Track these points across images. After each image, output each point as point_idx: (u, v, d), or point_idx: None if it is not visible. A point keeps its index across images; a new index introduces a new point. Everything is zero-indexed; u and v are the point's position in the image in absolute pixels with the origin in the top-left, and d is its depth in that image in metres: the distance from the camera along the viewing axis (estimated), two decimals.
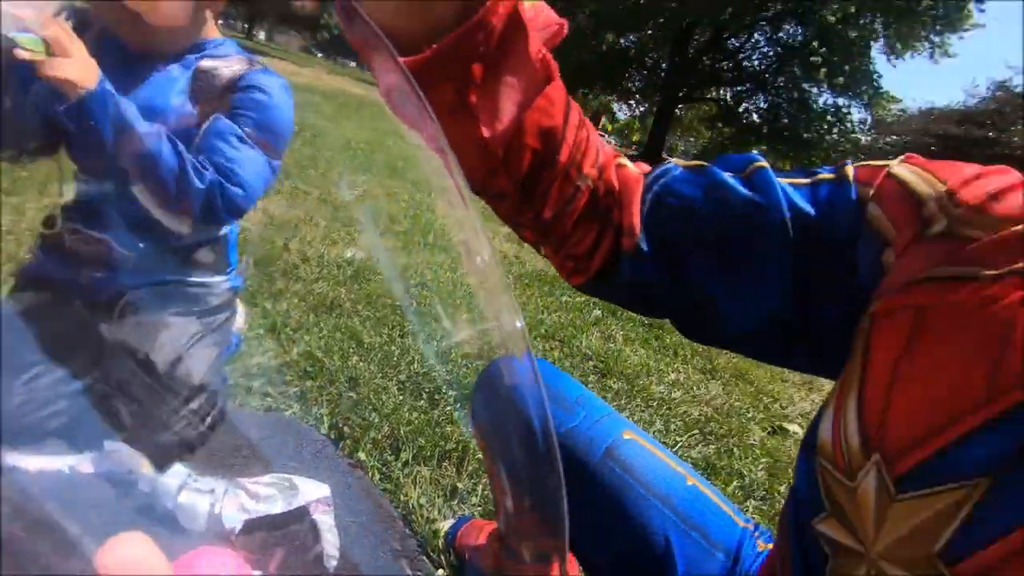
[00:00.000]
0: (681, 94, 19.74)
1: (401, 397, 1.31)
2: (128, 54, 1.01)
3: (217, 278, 1.15)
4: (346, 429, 1.16)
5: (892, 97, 17.98)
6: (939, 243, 0.33)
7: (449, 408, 1.32)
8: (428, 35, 0.33)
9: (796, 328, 0.41)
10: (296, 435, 1.11)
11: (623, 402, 1.67)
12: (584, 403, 0.59)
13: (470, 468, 1.13)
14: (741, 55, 19.44)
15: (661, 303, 0.46)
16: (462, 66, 0.33)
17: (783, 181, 0.41)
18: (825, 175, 0.40)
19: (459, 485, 1.08)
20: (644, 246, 0.43)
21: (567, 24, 0.38)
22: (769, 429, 1.82)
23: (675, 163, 0.46)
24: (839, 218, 0.38)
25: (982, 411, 0.28)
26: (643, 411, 1.66)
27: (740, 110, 20.21)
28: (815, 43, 16.05)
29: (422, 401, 1.32)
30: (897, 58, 16.46)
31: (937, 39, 15.56)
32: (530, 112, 0.37)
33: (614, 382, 1.78)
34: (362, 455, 1.10)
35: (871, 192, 0.38)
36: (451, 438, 1.19)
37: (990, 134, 13.20)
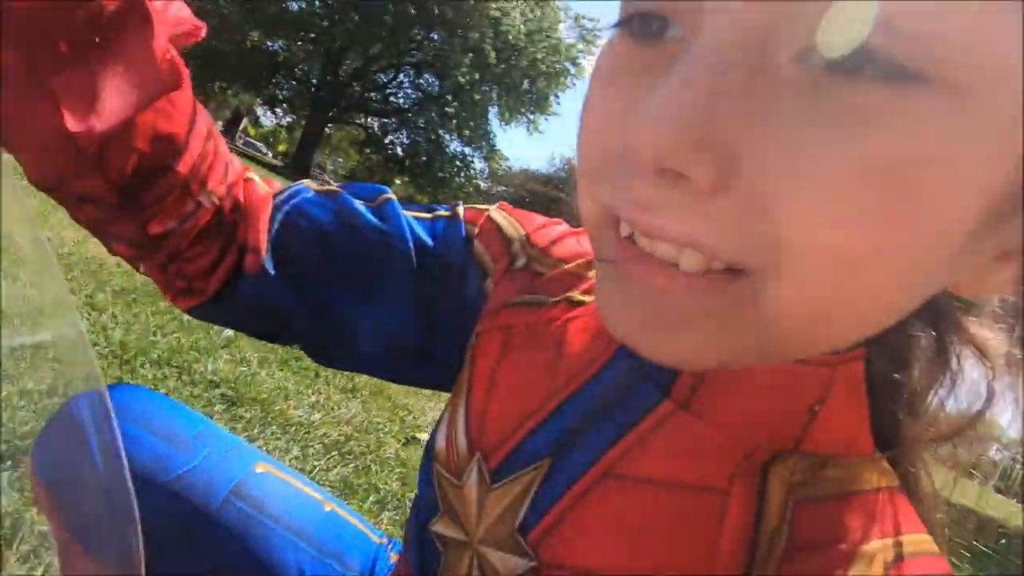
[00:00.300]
0: (332, 113, 19.83)
1: None
2: None
3: None
4: None
5: (503, 155, 22.26)
6: (521, 276, 0.42)
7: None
8: None
9: (419, 349, 0.45)
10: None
11: (256, 431, 1.53)
12: (207, 438, 0.51)
13: (23, 548, 0.83)
14: (388, 90, 20.86)
15: (286, 327, 0.45)
16: (44, 37, 0.28)
17: (408, 214, 0.45)
18: (442, 212, 0.46)
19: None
20: (270, 267, 0.42)
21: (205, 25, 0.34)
22: (403, 440, 1.95)
23: (306, 185, 0.46)
24: (452, 250, 0.44)
25: (543, 408, 0.35)
26: (279, 438, 1.55)
27: (386, 141, 21.61)
28: (449, 96, 18.58)
29: None
30: (506, 124, 20.49)
31: (532, 116, 20.09)
32: (146, 114, 0.33)
33: (246, 410, 1.61)
34: None
35: (476, 230, 0.44)
36: None
37: (562, 195, 17.81)
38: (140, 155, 0.34)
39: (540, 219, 0.45)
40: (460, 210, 0.46)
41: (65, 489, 0.42)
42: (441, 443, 0.40)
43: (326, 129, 21.74)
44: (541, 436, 0.34)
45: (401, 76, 20.48)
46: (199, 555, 0.48)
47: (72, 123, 0.29)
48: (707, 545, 0.28)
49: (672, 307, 0.23)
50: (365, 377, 2.27)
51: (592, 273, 0.40)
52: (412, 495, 1.65)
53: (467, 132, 19.51)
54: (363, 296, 0.43)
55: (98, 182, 0.33)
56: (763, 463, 0.28)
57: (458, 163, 20.46)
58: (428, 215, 0.46)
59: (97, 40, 0.29)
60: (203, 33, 0.35)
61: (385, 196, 0.45)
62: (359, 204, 0.44)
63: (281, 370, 1.99)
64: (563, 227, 0.45)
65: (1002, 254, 0.23)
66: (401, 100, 20.92)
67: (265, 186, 0.44)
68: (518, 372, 0.38)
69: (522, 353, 0.38)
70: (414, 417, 2.20)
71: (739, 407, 0.29)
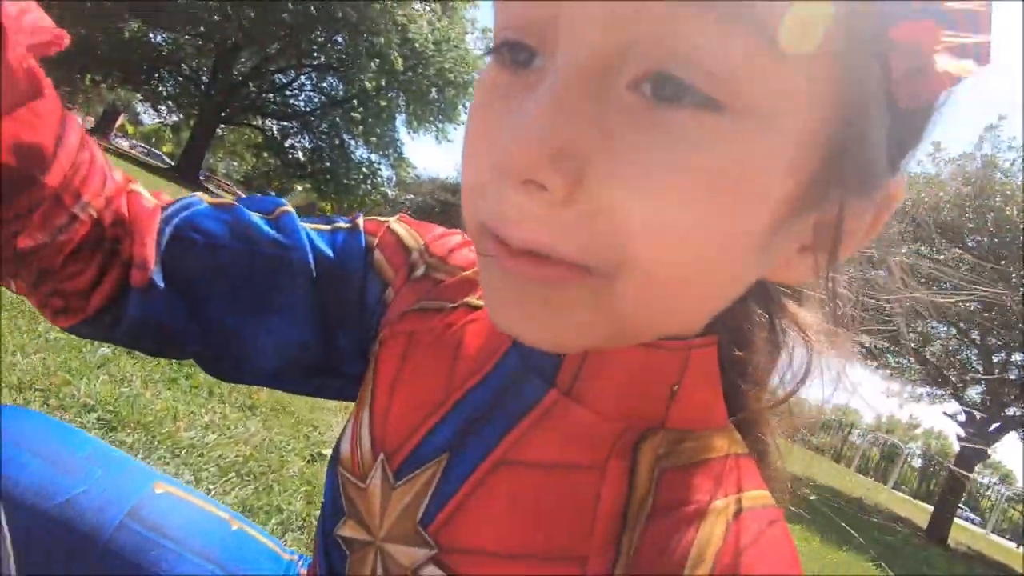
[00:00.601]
0: (224, 114, 18.57)
1: None
2: None
3: None
4: None
5: (411, 163, 21.95)
6: (421, 283, 0.44)
7: None
8: None
9: (322, 360, 0.46)
10: None
11: (141, 456, 1.40)
12: (98, 459, 0.48)
13: None
14: (288, 92, 19.90)
15: (177, 343, 0.44)
16: None
17: (307, 226, 0.45)
18: (342, 224, 0.47)
19: None
20: (159, 281, 0.40)
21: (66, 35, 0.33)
22: (308, 457, 1.87)
23: (199, 197, 0.45)
24: (352, 261, 0.45)
25: (442, 407, 0.37)
26: (168, 462, 1.43)
27: (286, 144, 20.54)
28: (355, 101, 18.06)
29: None
30: (414, 132, 20.26)
31: (440, 125, 20.02)
32: (5, 124, 0.31)
33: (128, 434, 1.47)
34: None
35: (376, 241, 0.46)
36: None
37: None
38: (2, 168, 0.32)
39: (439, 229, 0.48)
40: (360, 222, 0.47)
41: None
42: (346, 448, 0.40)
43: (218, 130, 20.31)
44: (440, 433, 0.36)
45: (302, 78, 19.63)
46: None
47: None
48: (588, 517, 0.31)
49: (543, 295, 0.26)
50: (265, 393, 2.15)
51: None
52: (318, 513, 1.59)
53: (374, 139, 19.03)
54: (260, 310, 0.43)
55: None
56: (634, 442, 0.32)
57: (364, 170, 19.88)
58: (327, 227, 0.46)
59: None
60: (66, 42, 0.33)
61: (283, 208, 0.46)
62: (255, 216, 0.44)
63: (169, 389, 1.83)
64: (460, 237, 0.47)
65: (802, 247, 0.29)
66: (302, 103, 20.03)
67: (152, 199, 0.42)
68: (418, 375, 0.40)
69: (423, 356, 0.40)
70: (320, 433, 2.11)
71: (612, 392, 0.33)
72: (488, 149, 0.26)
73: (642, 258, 0.24)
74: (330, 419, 2.28)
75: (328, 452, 1.97)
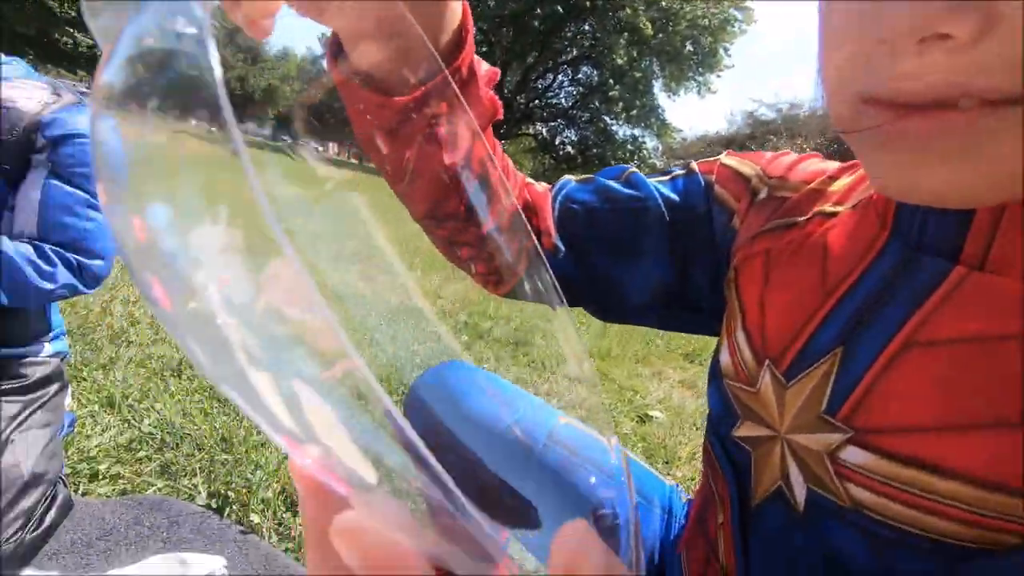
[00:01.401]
0: (502, 131, 21.07)
1: (284, 452, 1.20)
2: None
3: (37, 345, 0.97)
4: (230, 494, 1.04)
5: (675, 128, 21.17)
6: (767, 205, 0.46)
7: None
8: (400, 81, 0.38)
9: (680, 295, 0.51)
10: (167, 514, 0.96)
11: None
12: (520, 397, 0.63)
13: None
14: (549, 94, 21.40)
15: (576, 294, 0.54)
16: (437, 103, 0.39)
17: (651, 180, 0.52)
18: (678, 171, 0.52)
19: None
20: (560, 244, 0.51)
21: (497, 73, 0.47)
22: (636, 419, 2.01)
23: (568, 179, 0.55)
24: (696, 198, 0.50)
25: (820, 309, 0.39)
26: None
27: (556, 143, 22.15)
28: (611, 81, 18.32)
29: None
30: (674, 94, 19.45)
31: (701, 78, 18.75)
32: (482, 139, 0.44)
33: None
34: (255, 517, 0.99)
35: (713, 177, 0.50)
36: None
37: (750, 147, 16.39)
38: (476, 175, 0.46)
39: (767, 154, 0.50)
40: (694, 165, 0.52)
41: (437, 448, 0.57)
42: (726, 361, 0.45)
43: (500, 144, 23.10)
44: (826, 332, 0.38)
45: (560, 76, 20.84)
46: (533, 493, 0.59)
47: (448, 158, 0.41)
48: (1015, 388, 0.29)
49: (957, 144, 0.25)
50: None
51: (834, 187, 0.44)
52: (659, 465, 1.68)
53: (634, 112, 19.01)
54: (630, 255, 0.51)
55: (455, 202, 0.45)
56: None
57: (629, 147, 20.05)
58: (667, 177, 0.52)
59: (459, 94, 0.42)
60: (497, 77, 0.47)
61: (630, 170, 0.54)
62: (612, 182, 0.53)
63: (515, 364, 2.20)
64: (791, 155, 0.48)
65: None
66: (563, 99, 21.29)
67: (540, 186, 0.55)
68: (787, 285, 0.42)
69: (786, 269, 0.42)
70: (640, 397, 2.24)
71: None
72: (868, 24, 0.26)
73: None
74: (646, 384, 2.40)
75: (653, 413, 2.08)
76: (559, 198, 0.53)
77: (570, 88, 21.13)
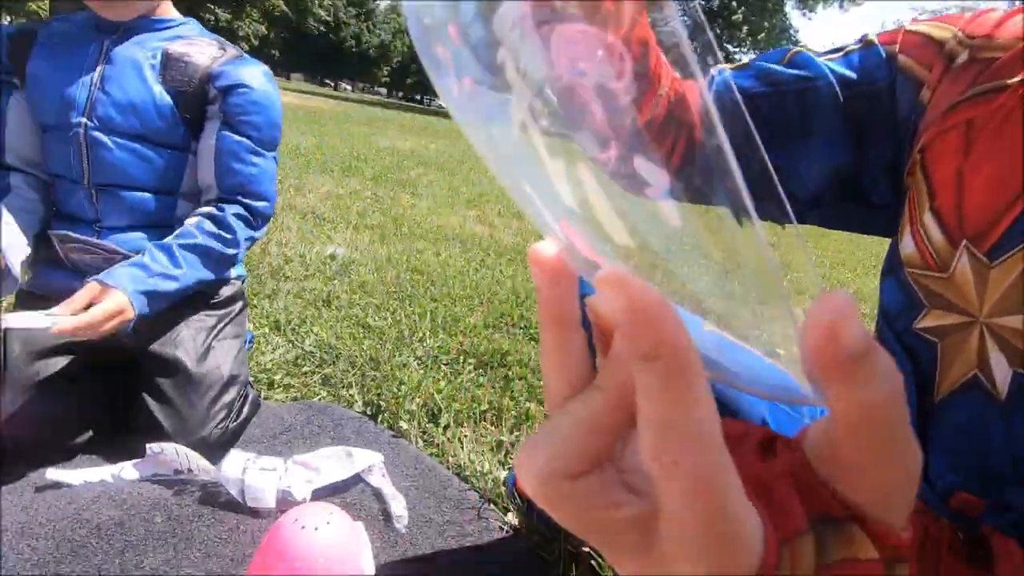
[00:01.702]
0: None
1: (422, 371, 1.31)
2: (82, 31, 0.98)
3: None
4: (381, 403, 1.16)
5: (812, 51, 18.78)
6: (967, 70, 0.40)
7: (472, 375, 1.33)
8: None
9: (854, 181, 0.47)
10: (332, 417, 1.10)
11: None
12: None
13: (509, 423, 1.15)
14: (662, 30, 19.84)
15: None
16: None
17: (820, 58, 0.47)
18: (852, 46, 0.47)
19: (503, 439, 1.10)
20: None
21: None
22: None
23: (722, 67, 0.51)
24: (875, 72, 0.45)
25: None
26: None
27: None
28: (733, 3, 16.58)
29: (444, 371, 1.33)
30: (810, 11, 17.19)
31: None
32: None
33: None
34: (403, 424, 1.10)
35: (896, 48, 0.44)
36: (482, 401, 1.20)
37: None
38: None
39: (968, 13, 0.43)
40: (871, 37, 0.46)
41: None
42: (910, 249, 0.41)
43: None
44: None
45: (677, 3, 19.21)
46: None
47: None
48: None
49: None
50: None
51: None
52: None
53: (761, 37, 17.13)
54: (799, 138, 0.47)
55: None
56: None
57: None
58: (839, 53, 0.47)
59: None
60: None
61: (795, 50, 0.48)
62: (773, 65, 0.48)
63: None
64: (999, 11, 0.42)
65: None
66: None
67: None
68: (991, 159, 0.37)
69: (991, 141, 0.37)
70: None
71: None
72: None
73: None
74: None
75: (779, 351, 1.96)
76: (714, 86, 0.50)
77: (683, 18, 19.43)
